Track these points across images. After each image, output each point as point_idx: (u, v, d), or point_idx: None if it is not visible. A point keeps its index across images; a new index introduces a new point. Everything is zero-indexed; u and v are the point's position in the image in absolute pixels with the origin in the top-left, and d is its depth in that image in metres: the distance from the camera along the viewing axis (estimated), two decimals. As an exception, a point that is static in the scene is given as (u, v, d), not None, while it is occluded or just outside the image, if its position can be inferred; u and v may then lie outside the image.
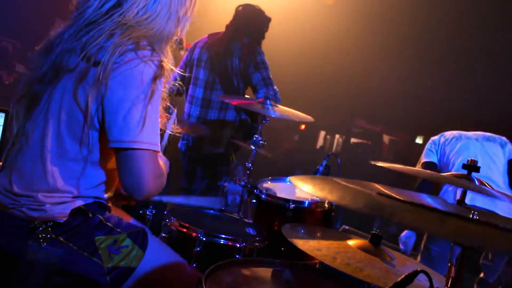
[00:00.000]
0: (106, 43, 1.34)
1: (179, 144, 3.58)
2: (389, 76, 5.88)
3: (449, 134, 3.24)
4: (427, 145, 3.30)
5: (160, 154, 1.48)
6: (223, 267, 1.42)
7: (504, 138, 3.17)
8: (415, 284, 1.19)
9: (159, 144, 1.39)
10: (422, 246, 3.19)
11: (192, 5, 1.55)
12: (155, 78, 1.36)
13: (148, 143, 1.35)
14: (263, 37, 3.51)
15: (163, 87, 1.43)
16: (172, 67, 1.49)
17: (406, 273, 1.04)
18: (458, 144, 3.11)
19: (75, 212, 1.41)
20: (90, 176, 1.44)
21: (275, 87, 3.35)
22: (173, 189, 3.69)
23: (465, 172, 1.12)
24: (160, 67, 1.38)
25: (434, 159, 3.21)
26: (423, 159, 3.25)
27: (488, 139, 3.14)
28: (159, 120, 1.43)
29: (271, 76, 3.39)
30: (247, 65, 3.36)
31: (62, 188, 1.40)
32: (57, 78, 1.40)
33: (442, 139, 3.22)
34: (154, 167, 1.39)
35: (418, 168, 3.28)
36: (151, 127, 1.36)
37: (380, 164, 1.19)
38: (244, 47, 3.38)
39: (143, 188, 1.36)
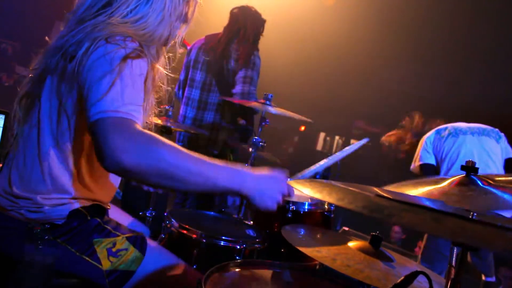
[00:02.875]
0: (84, 39, 1.33)
1: None
2: (389, 78, 5.88)
3: (443, 130, 3.18)
4: (423, 145, 3.22)
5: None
6: (223, 268, 1.42)
7: (497, 131, 3.11)
8: (415, 286, 1.19)
9: (134, 115, 1.22)
10: (422, 247, 3.19)
11: (191, 9, 1.55)
12: (126, 57, 1.28)
13: (114, 111, 1.20)
14: (259, 38, 3.51)
15: (147, 74, 1.37)
16: (162, 70, 1.50)
17: (406, 275, 1.04)
18: (455, 142, 3.06)
19: (74, 214, 1.41)
20: (86, 178, 1.44)
21: (253, 88, 3.33)
22: (169, 192, 3.68)
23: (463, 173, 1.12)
24: (137, 50, 1.32)
25: (431, 160, 3.16)
26: (420, 161, 3.21)
27: (483, 132, 3.08)
28: (142, 100, 1.32)
29: (255, 79, 3.36)
30: (240, 66, 3.36)
31: (60, 190, 1.40)
32: (44, 79, 1.42)
33: (437, 137, 3.17)
34: (125, 131, 1.17)
35: (416, 166, 3.26)
36: (122, 98, 1.22)
37: (385, 195, 1.15)
38: (242, 49, 3.38)
39: (107, 153, 1.15)
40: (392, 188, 1.17)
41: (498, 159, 3.01)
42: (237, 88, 3.32)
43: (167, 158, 1.19)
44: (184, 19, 1.54)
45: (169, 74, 1.63)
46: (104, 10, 1.41)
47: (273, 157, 2.82)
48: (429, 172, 3.14)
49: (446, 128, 3.17)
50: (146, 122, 1.55)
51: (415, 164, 3.27)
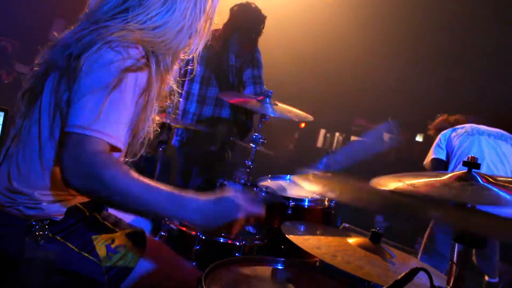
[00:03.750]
0: (91, 41, 1.31)
1: (173, 141, 3.56)
2: (390, 75, 5.87)
3: (461, 129, 3.13)
4: (437, 140, 3.20)
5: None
6: (223, 265, 1.42)
7: None
8: (415, 282, 1.18)
9: (105, 133, 1.22)
10: (422, 244, 3.18)
11: (207, 24, 1.54)
12: (126, 69, 1.28)
13: (78, 126, 1.21)
14: (259, 34, 3.51)
15: (148, 85, 1.36)
16: (172, 81, 1.49)
17: (406, 271, 1.04)
18: (468, 140, 3.00)
19: (72, 210, 1.41)
20: None
21: (264, 87, 3.34)
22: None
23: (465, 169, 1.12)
24: (139, 62, 1.32)
25: (443, 156, 3.13)
26: (432, 155, 3.18)
27: (501, 137, 3.03)
28: (131, 114, 1.33)
29: (262, 76, 3.38)
30: (244, 63, 3.36)
31: (59, 186, 1.39)
32: (48, 75, 1.40)
33: (453, 134, 3.11)
34: (78, 153, 1.19)
35: (427, 161, 3.24)
36: (98, 114, 1.22)
37: (379, 187, 1.15)
38: (243, 45, 3.38)
39: (61, 173, 1.20)
40: (393, 178, 1.16)
41: (510, 165, 2.96)
42: (249, 90, 3.33)
43: (113, 186, 1.20)
44: (201, 32, 1.53)
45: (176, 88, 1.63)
46: (121, 15, 1.39)
47: (271, 152, 2.81)
48: (439, 167, 3.12)
49: (464, 127, 3.15)
50: (147, 130, 1.53)
51: (427, 160, 3.26)
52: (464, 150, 2.98)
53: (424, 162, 3.30)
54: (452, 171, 2.91)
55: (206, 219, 1.29)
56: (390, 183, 1.12)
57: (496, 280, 3.32)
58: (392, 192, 0.99)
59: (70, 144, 1.21)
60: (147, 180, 1.25)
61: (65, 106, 1.33)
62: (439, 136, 3.22)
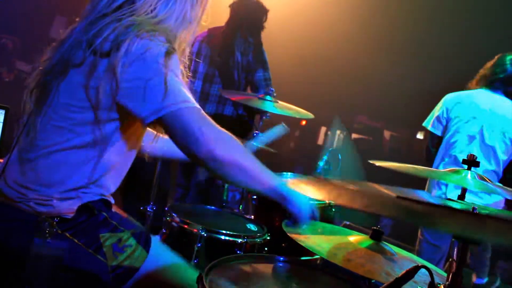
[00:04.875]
0: (110, 35, 1.34)
1: None
2: (391, 72, 5.86)
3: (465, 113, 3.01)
4: (440, 109, 3.10)
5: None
6: (224, 263, 1.42)
7: None
8: (416, 279, 1.19)
9: (192, 101, 1.36)
10: (417, 239, 3.17)
11: (202, 13, 1.56)
12: (167, 52, 1.34)
13: (179, 102, 1.32)
14: (262, 28, 3.50)
15: (180, 65, 1.44)
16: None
17: (407, 269, 1.04)
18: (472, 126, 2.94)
19: (82, 208, 1.41)
20: (97, 173, 1.44)
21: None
22: (171, 186, 3.69)
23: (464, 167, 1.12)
24: (169, 45, 1.37)
25: (439, 132, 3.10)
26: (430, 125, 3.13)
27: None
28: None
29: (271, 77, 3.42)
30: (253, 62, 3.37)
31: (70, 183, 1.40)
32: (65, 72, 1.40)
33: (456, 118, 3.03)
34: (200, 120, 1.34)
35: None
36: (177, 91, 1.34)
37: (378, 163, 1.19)
38: (251, 44, 3.39)
39: (197, 141, 1.31)
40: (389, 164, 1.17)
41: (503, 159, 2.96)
42: (262, 92, 3.34)
43: (246, 157, 1.38)
44: (197, 20, 1.55)
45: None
46: (127, 6, 1.41)
47: (273, 150, 2.81)
48: (433, 144, 3.17)
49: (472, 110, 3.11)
50: None
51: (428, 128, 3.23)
52: (461, 133, 2.99)
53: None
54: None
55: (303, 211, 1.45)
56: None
57: (484, 281, 3.31)
58: (399, 198, 1.00)
59: (196, 117, 1.34)
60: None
61: (104, 102, 1.35)
62: (442, 105, 3.16)
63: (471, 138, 2.95)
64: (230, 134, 1.39)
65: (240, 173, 1.36)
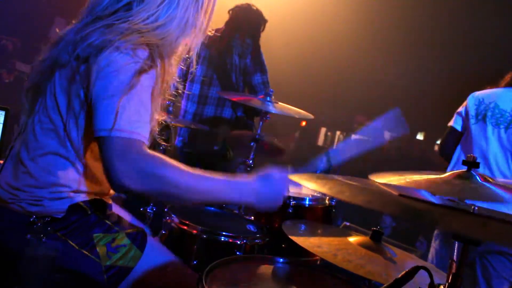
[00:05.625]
0: (95, 41, 1.32)
1: (175, 141, 3.57)
2: (391, 72, 5.87)
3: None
4: (466, 105, 3.04)
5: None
6: (224, 264, 1.42)
7: None
8: (416, 280, 1.19)
9: (141, 134, 1.26)
10: (432, 249, 3.13)
11: (207, 19, 1.54)
12: (138, 71, 1.29)
13: (121, 130, 1.23)
14: (259, 35, 3.51)
15: (155, 84, 1.37)
16: (174, 77, 1.50)
17: (407, 270, 1.04)
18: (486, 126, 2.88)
19: (74, 208, 1.41)
20: (89, 173, 1.44)
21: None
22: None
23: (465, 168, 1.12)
24: (147, 63, 1.32)
25: (459, 127, 3.08)
26: (452, 122, 3.07)
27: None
28: (150, 113, 1.35)
29: (268, 80, 3.42)
30: (251, 65, 3.37)
31: (61, 183, 1.40)
32: (52, 74, 1.41)
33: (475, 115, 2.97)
34: (130, 156, 1.22)
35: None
36: (129, 116, 1.25)
37: (378, 180, 1.16)
38: (249, 46, 3.39)
39: (113, 178, 1.21)
40: (395, 175, 1.17)
41: None
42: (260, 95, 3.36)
43: (171, 181, 1.26)
44: (201, 28, 1.53)
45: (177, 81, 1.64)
46: (122, 11, 1.40)
47: (277, 143, 2.81)
48: (452, 138, 3.14)
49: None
50: (151, 129, 1.53)
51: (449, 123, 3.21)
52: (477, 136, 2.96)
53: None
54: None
55: (261, 199, 1.41)
56: (390, 178, 1.13)
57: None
58: (401, 196, 0.99)
59: (118, 148, 1.22)
60: (198, 171, 1.33)
61: (77, 107, 1.35)
62: (468, 104, 3.11)
63: (489, 138, 2.93)
64: (154, 158, 1.26)
65: (170, 199, 1.37)
